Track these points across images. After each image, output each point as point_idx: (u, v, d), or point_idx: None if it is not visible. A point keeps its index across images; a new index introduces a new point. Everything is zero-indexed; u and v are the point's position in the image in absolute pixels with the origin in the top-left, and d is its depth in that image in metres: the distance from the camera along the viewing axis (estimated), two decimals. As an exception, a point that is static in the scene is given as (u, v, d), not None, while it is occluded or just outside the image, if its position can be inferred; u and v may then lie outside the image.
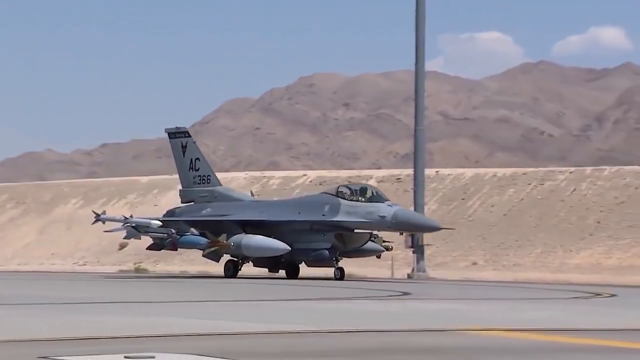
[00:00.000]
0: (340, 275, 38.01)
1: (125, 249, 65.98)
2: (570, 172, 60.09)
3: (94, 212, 40.92)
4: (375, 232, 39.23)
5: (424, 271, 42.27)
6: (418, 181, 44.23)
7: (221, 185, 44.78)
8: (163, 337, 13.47)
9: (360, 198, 37.97)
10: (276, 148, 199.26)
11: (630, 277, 43.74)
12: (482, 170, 67.15)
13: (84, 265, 62.51)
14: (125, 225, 40.05)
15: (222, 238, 38.93)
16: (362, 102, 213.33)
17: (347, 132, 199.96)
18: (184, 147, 44.73)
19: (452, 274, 40.63)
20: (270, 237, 38.92)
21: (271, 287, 33.24)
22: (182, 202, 44.90)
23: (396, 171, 68.57)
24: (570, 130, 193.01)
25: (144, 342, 12.75)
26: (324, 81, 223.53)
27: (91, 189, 76.32)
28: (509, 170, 63.08)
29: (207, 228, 40.18)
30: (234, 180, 71.03)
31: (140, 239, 40.99)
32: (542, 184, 57.34)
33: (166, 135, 46.28)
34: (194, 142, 45.43)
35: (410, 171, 49.93)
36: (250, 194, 46.26)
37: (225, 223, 40.24)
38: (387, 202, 37.70)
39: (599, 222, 51.81)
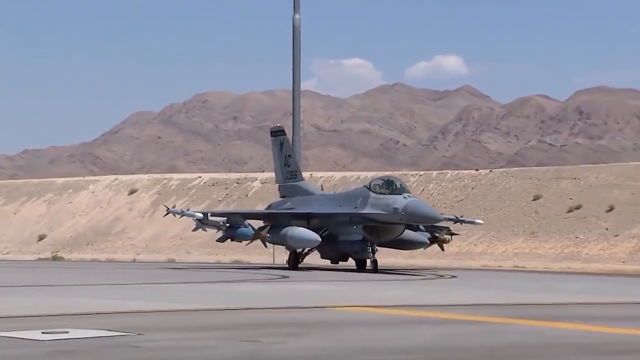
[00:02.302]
0: (374, 267, 33.24)
1: (44, 240, 64.29)
2: (420, 175, 61.31)
3: (165, 206, 38.81)
4: (441, 225, 34.98)
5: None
6: (295, 182, 44.08)
7: (303, 180, 40.95)
8: (76, 315, 13.17)
9: (385, 191, 33.55)
10: (175, 154, 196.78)
11: (467, 262, 44.93)
12: (348, 173, 67.87)
13: (7, 254, 60.62)
14: (187, 217, 37.52)
15: (265, 230, 35.56)
16: (248, 116, 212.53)
17: (235, 141, 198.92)
18: (281, 145, 40.48)
19: (322, 262, 40.62)
20: (321, 229, 34.75)
21: (175, 272, 32.84)
22: (280, 196, 40.74)
23: (277, 174, 68.41)
24: (420, 140, 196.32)
25: (59, 319, 12.44)
26: (216, 98, 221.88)
27: (13, 188, 74.18)
28: (370, 173, 63.83)
29: (256, 220, 36.94)
30: (139, 182, 69.93)
31: (206, 230, 37.83)
32: (397, 185, 58.12)
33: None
34: (289, 140, 40.90)
35: (289, 174, 49.84)
36: (320, 188, 42.08)
37: (273, 216, 37.02)
38: (404, 194, 33.05)
39: (442, 217, 52.76)
